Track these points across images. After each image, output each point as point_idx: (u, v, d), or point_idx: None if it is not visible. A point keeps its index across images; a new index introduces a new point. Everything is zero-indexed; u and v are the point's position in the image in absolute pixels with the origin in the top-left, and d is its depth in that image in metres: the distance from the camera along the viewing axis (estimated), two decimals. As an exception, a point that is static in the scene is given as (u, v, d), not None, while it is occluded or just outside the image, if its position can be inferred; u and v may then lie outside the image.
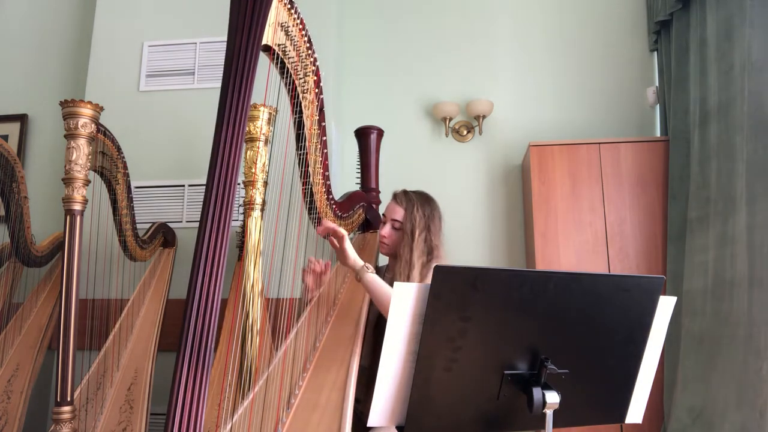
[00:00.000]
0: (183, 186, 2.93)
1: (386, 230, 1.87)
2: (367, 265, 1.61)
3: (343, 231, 1.61)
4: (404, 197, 1.87)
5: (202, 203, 0.91)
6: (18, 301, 2.55)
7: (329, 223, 1.61)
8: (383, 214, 1.93)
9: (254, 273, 1.56)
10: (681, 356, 2.34)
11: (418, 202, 1.86)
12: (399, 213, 1.85)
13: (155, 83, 3.06)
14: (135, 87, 3.07)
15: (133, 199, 2.15)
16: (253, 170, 1.60)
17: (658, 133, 2.99)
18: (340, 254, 1.63)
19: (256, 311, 1.55)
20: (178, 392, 0.83)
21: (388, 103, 3.26)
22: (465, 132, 3.18)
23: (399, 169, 3.09)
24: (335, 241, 1.62)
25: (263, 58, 1.08)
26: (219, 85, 0.95)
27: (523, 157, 3.06)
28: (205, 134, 2.83)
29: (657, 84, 3.00)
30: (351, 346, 1.58)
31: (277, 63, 1.30)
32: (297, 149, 1.58)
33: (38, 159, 3.25)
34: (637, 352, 1.19)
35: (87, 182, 1.58)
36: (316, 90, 1.48)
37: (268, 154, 1.63)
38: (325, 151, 1.65)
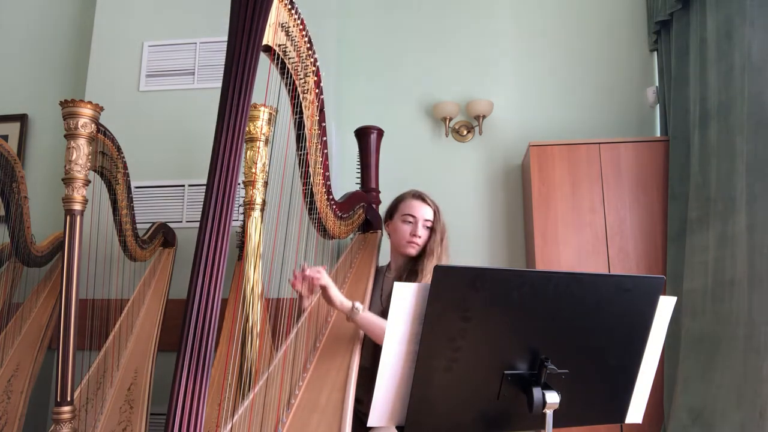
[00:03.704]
0: (183, 186, 2.93)
1: (422, 231, 1.87)
2: (356, 305, 1.57)
3: (325, 280, 1.56)
4: (430, 198, 1.93)
5: (202, 204, 0.91)
6: (18, 301, 2.55)
7: (312, 273, 1.55)
8: (407, 214, 1.89)
9: (254, 275, 1.56)
10: (681, 356, 2.34)
11: (437, 204, 1.94)
12: (430, 213, 1.90)
13: (155, 83, 3.06)
14: (135, 87, 3.07)
15: (133, 199, 2.15)
16: (253, 170, 1.60)
17: (658, 133, 2.99)
18: (327, 300, 1.60)
19: (256, 314, 1.55)
20: (178, 393, 0.83)
21: (388, 103, 3.26)
22: (465, 132, 3.18)
23: (399, 169, 3.09)
24: (320, 284, 1.57)
25: (264, 59, 1.08)
26: (219, 85, 0.95)
27: (523, 157, 3.06)
28: (205, 134, 2.82)
29: (657, 84, 3.00)
30: (351, 347, 1.58)
31: (277, 63, 1.30)
32: (297, 149, 1.57)
33: (38, 159, 3.25)
34: (637, 352, 1.19)
35: (87, 182, 1.58)
36: (317, 90, 1.48)
37: (268, 155, 1.63)
38: (326, 151, 1.65)
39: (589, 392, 1.19)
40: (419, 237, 1.86)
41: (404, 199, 1.95)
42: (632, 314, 1.16)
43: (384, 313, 1.70)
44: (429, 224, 1.89)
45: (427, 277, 1.76)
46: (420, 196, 1.92)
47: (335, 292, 1.58)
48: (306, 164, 1.61)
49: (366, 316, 1.58)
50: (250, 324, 1.55)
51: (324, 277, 1.57)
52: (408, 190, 1.98)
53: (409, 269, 1.88)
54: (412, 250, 1.89)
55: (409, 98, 3.27)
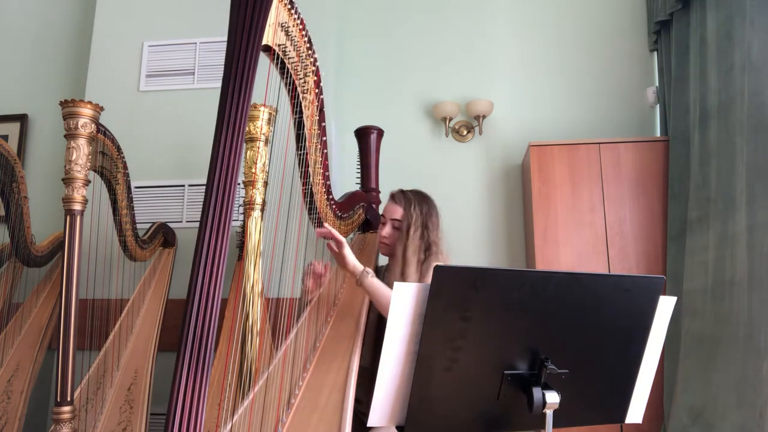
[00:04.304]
0: (183, 186, 2.93)
1: (386, 230, 1.86)
2: (367, 269, 1.61)
3: (341, 237, 1.60)
4: (402, 196, 1.87)
5: (202, 203, 0.91)
6: (18, 301, 2.55)
7: (329, 228, 1.60)
8: (382, 215, 1.92)
9: (254, 274, 1.56)
10: (681, 356, 2.34)
11: (416, 200, 1.86)
12: (398, 212, 1.84)
13: (155, 83, 3.06)
14: (135, 87, 3.07)
15: (133, 199, 2.15)
16: (253, 170, 1.60)
17: (658, 133, 2.99)
18: (340, 259, 1.63)
19: (256, 312, 1.55)
20: (178, 392, 0.83)
21: (388, 103, 3.26)
22: (465, 132, 3.18)
23: (399, 169, 3.09)
24: (334, 247, 1.62)
25: (263, 59, 1.08)
26: (219, 85, 0.95)
27: (523, 157, 3.06)
28: (205, 134, 2.82)
29: (657, 84, 3.00)
30: (351, 347, 1.58)
31: (277, 63, 1.30)
32: (297, 149, 1.58)
33: (38, 159, 3.25)
34: (637, 352, 1.19)
35: (87, 182, 1.58)
36: (316, 90, 1.48)
37: (268, 154, 1.63)
38: (325, 151, 1.65)
39: (589, 392, 1.19)
40: (384, 237, 1.87)
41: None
42: (632, 314, 1.16)
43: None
44: (397, 224, 1.84)
45: (391, 280, 1.70)
46: (392, 196, 1.90)
47: (348, 251, 1.61)
48: (306, 164, 1.61)
49: (374, 282, 1.60)
50: (250, 322, 1.55)
51: (342, 248, 1.60)
52: None
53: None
54: (382, 250, 1.91)
55: (409, 98, 3.27)
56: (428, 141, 3.21)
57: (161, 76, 3.06)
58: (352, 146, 2.68)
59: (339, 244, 1.60)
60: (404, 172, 3.10)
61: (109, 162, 1.90)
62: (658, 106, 2.98)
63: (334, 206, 1.86)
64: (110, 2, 3.17)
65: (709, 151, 2.37)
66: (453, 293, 1.03)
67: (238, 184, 0.97)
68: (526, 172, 2.91)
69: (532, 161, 2.76)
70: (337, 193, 2.24)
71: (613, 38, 3.16)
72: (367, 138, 2.52)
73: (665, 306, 1.18)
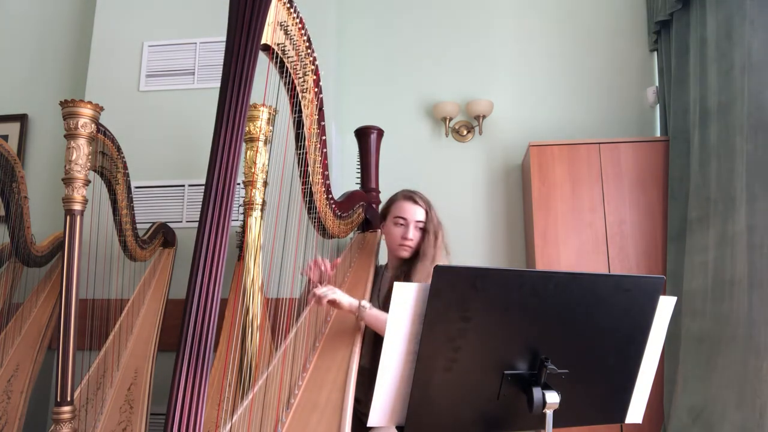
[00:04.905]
0: (183, 186, 2.93)
1: (412, 233, 1.84)
2: (363, 303, 1.60)
3: (333, 296, 1.57)
4: (421, 198, 1.90)
5: (201, 201, 0.91)
6: (18, 301, 2.55)
7: (321, 292, 1.56)
8: (398, 216, 1.87)
9: (254, 269, 1.56)
10: (681, 356, 2.34)
11: (430, 202, 1.90)
12: (422, 214, 1.86)
13: (155, 83, 3.06)
14: (135, 87, 3.07)
15: (133, 199, 2.16)
16: (253, 170, 1.60)
17: (658, 133, 2.99)
18: (336, 307, 1.62)
19: (256, 307, 1.55)
20: (178, 391, 0.83)
21: (388, 103, 3.26)
22: (465, 132, 3.18)
23: (399, 169, 3.09)
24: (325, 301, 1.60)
25: (262, 58, 1.08)
26: (219, 84, 0.95)
27: (523, 157, 3.06)
28: (205, 134, 2.82)
29: (657, 84, 3.00)
30: (351, 346, 1.57)
31: (276, 62, 1.30)
32: (296, 149, 1.57)
33: (38, 159, 3.25)
34: (637, 352, 1.19)
35: (87, 182, 1.58)
36: (316, 89, 1.48)
37: (267, 154, 1.63)
38: (325, 150, 1.65)
39: (589, 392, 1.19)
40: (410, 240, 1.84)
41: (396, 200, 1.92)
42: (632, 314, 1.16)
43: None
44: (421, 225, 1.85)
45: (418, 278, 1.73)
46: (411, 197, 1.89)
47: (341, 297, 1.59)
48: (305, 163, 1.61)
49: (373, 313, 1.60)
50: (250, 317, 1.55)
51: (331, 295, 1.57)
52: (400, 191, 1.95)
53: (405, 270, 1.87)
54: (405, 253, 1.87)
55: (409, 98, 3.27)
56: (428, 141, 3.21)
57: (161, 76, 3.06)
58: (352, 146, 2.69)
59: (331, 302, 1.58)
60: (404, 172, 3.10)
61: (109, 162, 1.90)
62: (658, 106, 2.98)
63: (333, 206, 1.86)
64: (110, 2, 3.17)
65: (709, 151, 2.36)
66: (453, 293, 1.03)
67: (238, 184, 0.97)
68: (526, 172, 2.91)
69: (532, 161, 2.76)
70: (337, 193, 2.24)
71: (613, 38, 3.16)
72: (367, 138, 2.53)
73: (665, 306, 1.18)
